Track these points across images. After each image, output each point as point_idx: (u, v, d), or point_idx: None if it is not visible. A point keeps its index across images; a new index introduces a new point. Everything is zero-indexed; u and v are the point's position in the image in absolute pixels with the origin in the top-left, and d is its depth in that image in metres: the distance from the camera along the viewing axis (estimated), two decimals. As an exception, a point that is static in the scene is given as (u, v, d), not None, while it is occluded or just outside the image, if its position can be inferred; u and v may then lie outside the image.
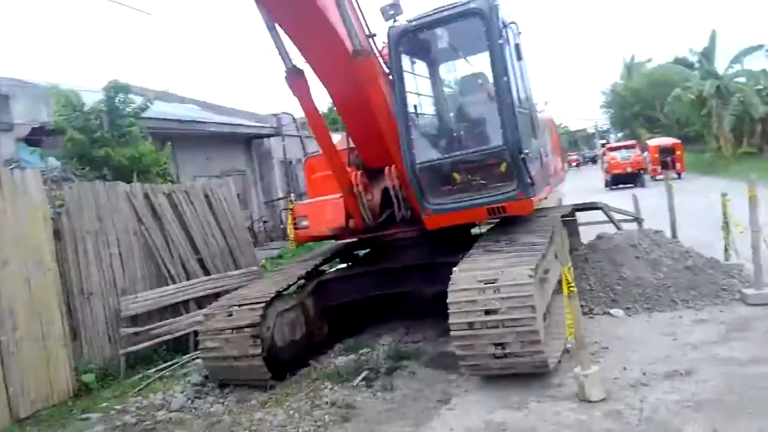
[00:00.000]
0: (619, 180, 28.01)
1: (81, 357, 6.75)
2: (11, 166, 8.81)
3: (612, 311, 6.80)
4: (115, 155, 10.44)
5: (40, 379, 6.11)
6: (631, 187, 23.66)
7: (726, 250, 7.88)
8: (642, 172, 28.61)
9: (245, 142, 19.86)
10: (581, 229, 9.40)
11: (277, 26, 6.23)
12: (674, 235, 8.86)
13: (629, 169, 28.24)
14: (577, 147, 78.97)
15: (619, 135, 65.11)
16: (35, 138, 11.84)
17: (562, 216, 8.47)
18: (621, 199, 13.38)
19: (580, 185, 25.85)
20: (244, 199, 18.74)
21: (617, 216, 9.47)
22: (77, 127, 10.49)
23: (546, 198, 8.60)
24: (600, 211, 9.35)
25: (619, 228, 9.11)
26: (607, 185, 28.51)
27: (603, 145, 44.79)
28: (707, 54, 35.24)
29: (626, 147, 31.98)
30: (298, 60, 6.54)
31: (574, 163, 64.72)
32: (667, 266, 7.24)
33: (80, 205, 7.28)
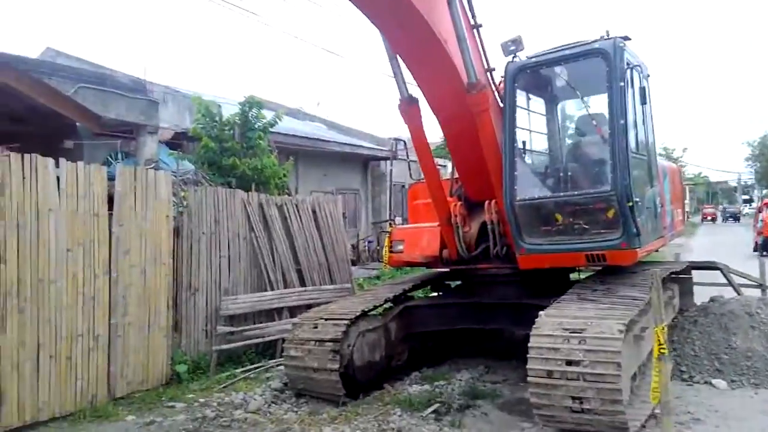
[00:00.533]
0: None
1: (178, 348, 7.29)
2: (150, 166, 9.82)
3: (714, 381, 6.20)
4: (241, 165, 11.25)
5: (139, 363, 6.69)
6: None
7: None
8: None
9: (363, 163, 20.56)
10: (697, 289, 8.64)
11: (397, 56, 6.48)
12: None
13: None
14: (716, 200, 72.46)
15: (764, 192, 59.13)
16: (176, 142, 13.14)
17: (676, 273, 7.90)
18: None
19: (718, 242, 23.28)
20: (353, 218, 19.36)
21: (737, 279, 8.59)
22: (212, 135, 11.45)
23: (657, 251, 8.05)
24: (719, 272, 8.55)
25: (738, 292, 8.26)
26: (756, 249, 22.20)
27: (746, 201, 40.81)
28: None
29: None
30: (414, 89, 6.73)
31: (708, 217, 59.59)
32: (787, 341, 6.46)
33: (201, 207, 7.92)
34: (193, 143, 12.31)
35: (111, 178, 6.65)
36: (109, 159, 12.29)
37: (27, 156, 5.74)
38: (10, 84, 7.77)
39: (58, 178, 6.01)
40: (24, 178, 5.67)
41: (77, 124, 10.28)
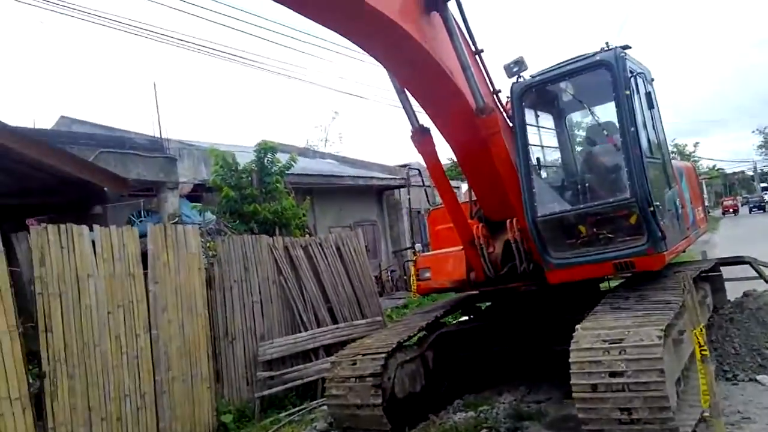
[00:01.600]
0: None
1: (222, 398, 7.40)
2: (174, 221, 10.09)
3: (759, 378, 6.13)
4: (262, 210, 11.47)
5: (186, 416, 6.82)
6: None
7: None
8: None
9: (377, 194, 20.77)
10: (729, 285, 8.57)
11: (405, 90, 6.68)
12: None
13: None
14: (735, 191, 71.42)
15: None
16: (196, 194, 13.44)
17: (705, 271, 7.86)
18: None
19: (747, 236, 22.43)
20: (373, 249, 19.47)
21: (768, 271, 8.50)
22: (231, 184, 11.71)
23: (684, 251, 8.03)
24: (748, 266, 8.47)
25: (771, 284, 8.17)
26: None
27: (765, 189, 40.27)
28: None
29: None
30: (424, 119, 6.90)
31: (730, 210, 58.52)
32: (824, 330, 6.41)
33: (230, 256, 8.11)
34: (211, 194, 12.59)
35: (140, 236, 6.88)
36: (132, 218, 12.61)
37: (63, 226, 5.98)
38: (34, 156, 8.07)
39: (93, 243, 6.24)
40: (62, 247, 5.90)
41: (105, 188, 10.61)
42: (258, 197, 11.70)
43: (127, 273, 6.49)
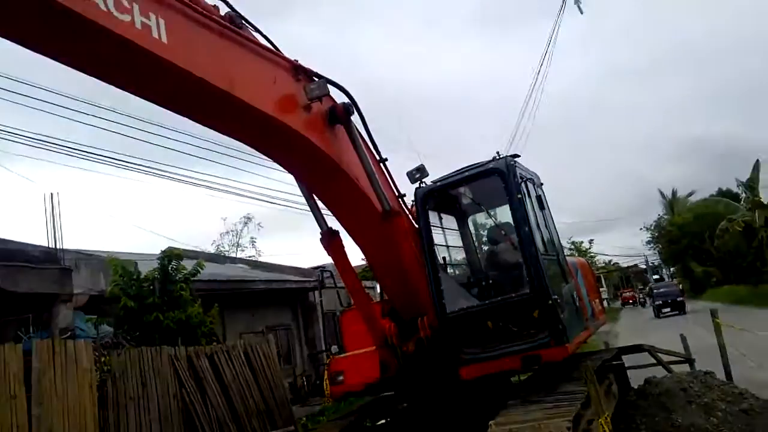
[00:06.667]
0: None
1: None
2: (66, 335, 9.33)
3: (665, 463, 6.25)
4: (165, 319, 10.90)
5: None
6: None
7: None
8: None
9: (291, 297, 20.37)
10: (631, 373, 8.97)
11: (314, 195, 6.85)
12: (728, 377, 8.35)
13: None
14: (630, 284, 76.52)
15: (672, 270, 63.15)
16: (93, 306, 12.57)
17: (607, 360, 8.22)
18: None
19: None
20: (288, 354, 18.79)
21: (666, 357, 9.05)
22: (131, 294, 11.13)
23: (586, 342, 8.41)
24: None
25: (669, 371, 8.66)
26: None
27: (657, 281, 43.44)
28: (752, 184, 35.30)
29: None
30: (333, 221, 7.04)
31: (629, 301, 61.54)
32: (722, 410, 6.77)
33: (125, 371, 7.56)
34: (110, 305, 11.86)
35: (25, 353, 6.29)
36: (20, 334, 11.52)
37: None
38: None
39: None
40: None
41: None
42: (161, 306, 11.17)
43: (7, 395, 5.84)
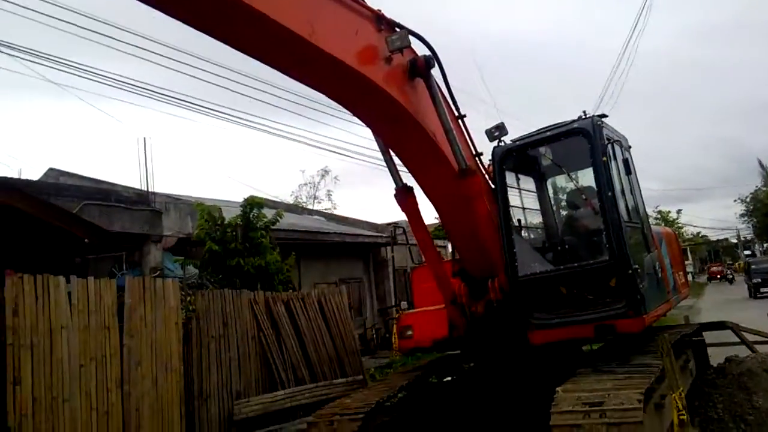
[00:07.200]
0: None
1: (193, 458, 7.13)
2: (155, 274, 9.98)
3: (743, 446, 5.98)
4: (245, 265, 11.40)
5: (156, 478, 6.53)
6: None
7: None
8: None
9: (363, 251, 20.77)
10: (711, 350, 8.55)
11: (390, 150, 6.83)
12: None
13: None
14: (719, 258, 72.14)
15: (765, 245, 58.91)
16: (180, 247, 13.36)
17: (687, 336, 7.87)
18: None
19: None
20: (359, 307, 19.31)
21: (750, 337, 8.53)
22: (215, 239, 11.69)
23: (665, 315, 8.06)
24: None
25: (753, 350, 8.18)
26: None
27: (749, 257, 40.71)
28: None
29: None
30: (408, 178, 7.02)
31: (717, 276, 58.39)
32: (809, 396, 6.36)
33: (209, 311, 8.00)
34: (196, 248, 12.54)
35: (118, 288, 6.79)
36: (114, 270, 12.45)
37: (39, 276, 5.91)
38: (18, 207, 8.06)
39: (69, 295, 6.15)
40: (37, 298, 5.80)
41: (86, 240, 10.56)
42: (242, 252, 11.67)
43: (102, 325, 6.37)
